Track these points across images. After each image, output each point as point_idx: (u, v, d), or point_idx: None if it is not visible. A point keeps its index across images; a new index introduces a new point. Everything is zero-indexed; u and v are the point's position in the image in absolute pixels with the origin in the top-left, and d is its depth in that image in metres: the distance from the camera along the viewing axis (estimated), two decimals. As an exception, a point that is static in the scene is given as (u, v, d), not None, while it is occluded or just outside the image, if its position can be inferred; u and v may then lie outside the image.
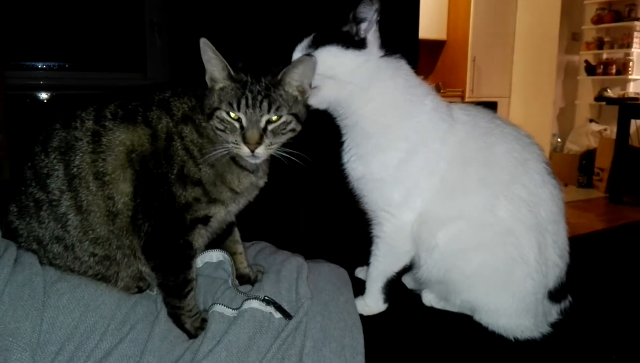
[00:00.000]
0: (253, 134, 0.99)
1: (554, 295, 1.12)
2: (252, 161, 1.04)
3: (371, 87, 1.10)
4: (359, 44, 1.10)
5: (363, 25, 1.10)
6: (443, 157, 1.10)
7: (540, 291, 1.09)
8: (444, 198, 1.10)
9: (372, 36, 1.11)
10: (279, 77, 1.02)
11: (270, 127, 1.01)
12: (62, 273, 1.00)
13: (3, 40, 3.01)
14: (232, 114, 0.99)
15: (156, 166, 1.00)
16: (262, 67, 1.04)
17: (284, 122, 1.02)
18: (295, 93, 1.05)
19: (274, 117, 1.01)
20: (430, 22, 5.98)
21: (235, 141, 1.00)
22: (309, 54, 1.05)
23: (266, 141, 1.01)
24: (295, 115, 1.04)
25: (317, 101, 1.12)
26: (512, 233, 1.06)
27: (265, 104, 0.99)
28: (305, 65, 1.03)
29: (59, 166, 1.00)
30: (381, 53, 1.13)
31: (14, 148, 2.32)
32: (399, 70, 1.14)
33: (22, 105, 3.17)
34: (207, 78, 1.04)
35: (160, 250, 1.03)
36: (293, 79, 1.03)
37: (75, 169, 0.99)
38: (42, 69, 3.34)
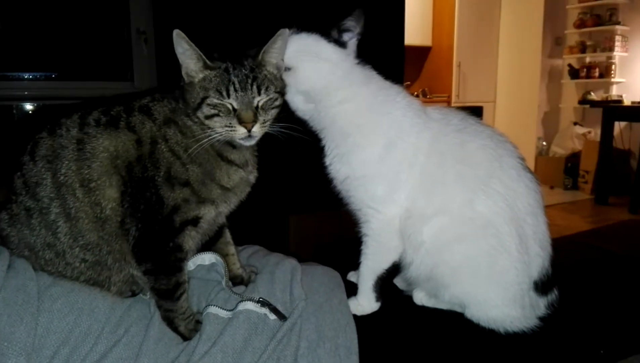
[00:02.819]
0: (248, 114, 1.01)
1: (540, 287, 1.14)
2: (247, 143, 1.05)
3: (345, 88, 1.15)
4: (341, 44, 1.16)
5: (347, 35, 1.16)
6: (420, 149, 1.14)
7: (525, 281, 1.12)
8: (425, 193, 1.13)
9: (352, 45, 1.18)
10: (259, 57, 1.05)
11: (260, 103, 1.03)
12: (55, 279, 1.01)
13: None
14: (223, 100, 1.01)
15: (142, 171, 1.00)
16: (238, 53, 1.06)
17: (271, 98, 1.05)
18: (275, 71, 1.08)
19: (264, 96, 1.03)
20: (415, 29, 6.04)
21: (230, 123, 1.01)
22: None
23: (260, 118, 1.03)
24: (279, 92, 1.07)
25: (290, 82, 1.14)
26: (492, 225, 1.09)
27: (255, 87, 1.02)
28: (282, 38, 1.06)
29: (47, 175, 1.00)
30: (356, 61, 1.19)
31: (0, 158, 2.30)
32: (371, 77, 1.20)
33: (9, 116, 3.15)
34: (183, 73, 1.04)
35: (150, 254, 1.03)
36: (272, 57, 1.07)
37: (62, 177, 1.00)
38: (28, 79, 3.31)
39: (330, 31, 1.15)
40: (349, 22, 1.15)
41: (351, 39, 1.16)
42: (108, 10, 3.41)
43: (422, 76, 6.65)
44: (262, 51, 1.05)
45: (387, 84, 1.21)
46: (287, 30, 1.06)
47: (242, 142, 1.04)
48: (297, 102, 1.18)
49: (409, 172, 1.14)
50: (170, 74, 1.08)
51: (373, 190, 1.15)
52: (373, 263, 1.20)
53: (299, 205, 2.98)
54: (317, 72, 1.14)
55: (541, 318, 1.16)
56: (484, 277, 1.12)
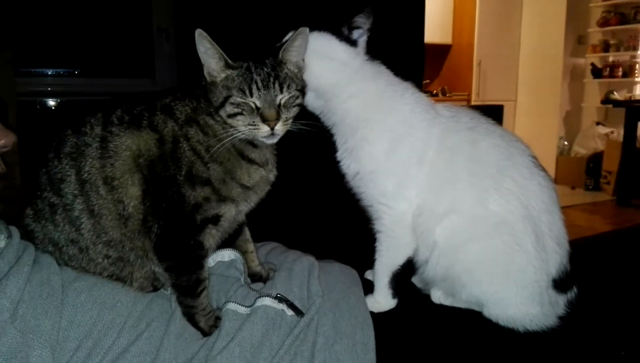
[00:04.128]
0: (271, 112, 1.02)
1: (559, 285, 1.14)
2: (270, 140, 1.06)
3: (354, 84, 1.16)
4: (352, 42, 1.17)
5: (356, 32, 1.17)
6: (429, 145, 1.14)
7: (543, 279, 1.11)
8: (436, 191, 1.13)
9: (362, 43, 1.19)
10: (279, 56, 1.06)
11: (282, 101, 1.04)
12: (79, 273, 1.02)
13: (13, 48, 3.04)
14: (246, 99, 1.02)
15: (164, 170, 1.01)
16: (258, 51, 1.07)
17: (292, 96, 1.06)
18: (295, 70, 1.09)
19: (286, 94, 1.04)
20: (436, 27, 6.01)
21: (253, 121, 1.02)
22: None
23: (282, 116, 1.04)
24: (300, 90, 1.08)
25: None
26: (506, 223, 1.09)
27: (277, 85, 1.02)
28: (302, 37, 1.07)
29: (71, 172, 1.02)
30: (366, 58, 1.20)
31: (24, 153, 2.34)
32: (380, 73, 1.21)
33: (32, 111, 3.21)
34: (205, 73, 1.05)
35: (171, 251, 1.04)
36: (292, 55, 1.08)
37: (85, 175, 1.01)
38: (51, 75, 3.37)
39: (340, 28, 1.16)
40: (360, 19, 1.16)
41: (361, 36, 1.18)
42: (130, 8, 3.45)
43: (442, 74, 6.63)
44: (282, 49, 1.06)
45: (396, 80, 1.22)
46: (307, 29, 1.07)
47: (264, 140, 1.05)
48: (308, 99, 1.18)
49: (418, 167, 1.14)
50: (191, 72, 1.10)
51: (383, 186, 1.16)
52: (387, 259, 1.21)
53: (317, 202, 2.99)
54: (327, 71, 1.15)
55: (561, 318, 1.15)
56: (500, 276, 1.11)
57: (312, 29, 1.13)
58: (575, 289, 1.17)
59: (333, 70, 1.15)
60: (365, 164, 1.16)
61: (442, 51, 6.50)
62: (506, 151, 1.14)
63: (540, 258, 1.10)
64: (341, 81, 1.16)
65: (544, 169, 1.17)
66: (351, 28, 1.16)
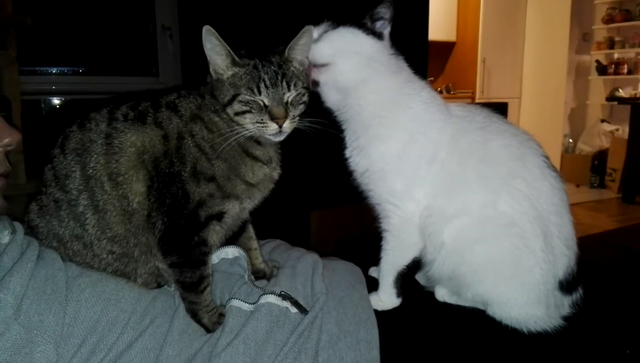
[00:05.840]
0: (279, 110, 1.02)
1: (565, 286, 1.13)
2: (277, 138, 1.06)
3: (379, 78, 1.15)
4: (378, 35, 1.16)
5: (379, 24, 1.16)
6: (441, 145, 1.13)
7: (550, 281, 1.10)
8: (445, 192, 1.12)
9: (386, 35, 1.18)
10: (285, 54, 1.07)
11: (290, 99, 1.05)
12: (83, 269, 1.03)
13: (17, 47, 3.05)
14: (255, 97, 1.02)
15: (169, 166, 1.02)
16: (264, 49, 1.08)
17: (299, 93, 1.06)
18: (300, 68, 1.09)
19: (293, 92, 1.05)
20: (440, 24, 6.00)
21: (262, 119, 1.02)
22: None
23: (290, 114, 1.04)
24: (306, 87, 1.09)
25: (327, 78, 1.15)
26: (516, 224, 1.08)
27: (284, 83, 1.03)
28: (308, 35, 1.07)
29: (76, 168, 1.02)
30: (391, 51, 1.18)
31: (28, 152, 2.34)
32: (403, 68, 1.20)
33: (37, 110, 3.21)
34: (211, 70, 1.05)
35: (175, 248, 1.04)
36: (297, 53, 1.08)
37: (90, 170, 1.01)
38: (55, 74, 3.37)
39: (363, 21, 1.15)
40: (381, 10, 1.15)
41: (384, 27, 1.16)
42: (134, 6, 3.46)
43: (446, 72, 6.61)
44: (288, 48, 1.06)
45: (415, 77, 1.21)
46: (312, 27, 1.07)
47: (271, 138, 1.05)
48: (330, 95, 1.18)
49: (428, 168, 1.13)
50: (195, 70, 1.10)
51: (392, 185, 1.15)
52: (393, 258, 1.20)
53: (321, 200, 2.98)
54: (355, 67, 1.14)
55: (565, 318, 1.14)
56: (507, 277, 1.10)
57: (337, 25, 1.14)
58: (580, 290, 1.16)
59: (360, 66, 1.14)
60: (375, 162, 1.16)
61: (446, 48, 6.48)
62: (518, 151, 1.12)
63: (548, 261, 1.09)
64: (368, 77, 1.14)
65: (555, 170, 1.15)
66: (374, 20, 1.15)
